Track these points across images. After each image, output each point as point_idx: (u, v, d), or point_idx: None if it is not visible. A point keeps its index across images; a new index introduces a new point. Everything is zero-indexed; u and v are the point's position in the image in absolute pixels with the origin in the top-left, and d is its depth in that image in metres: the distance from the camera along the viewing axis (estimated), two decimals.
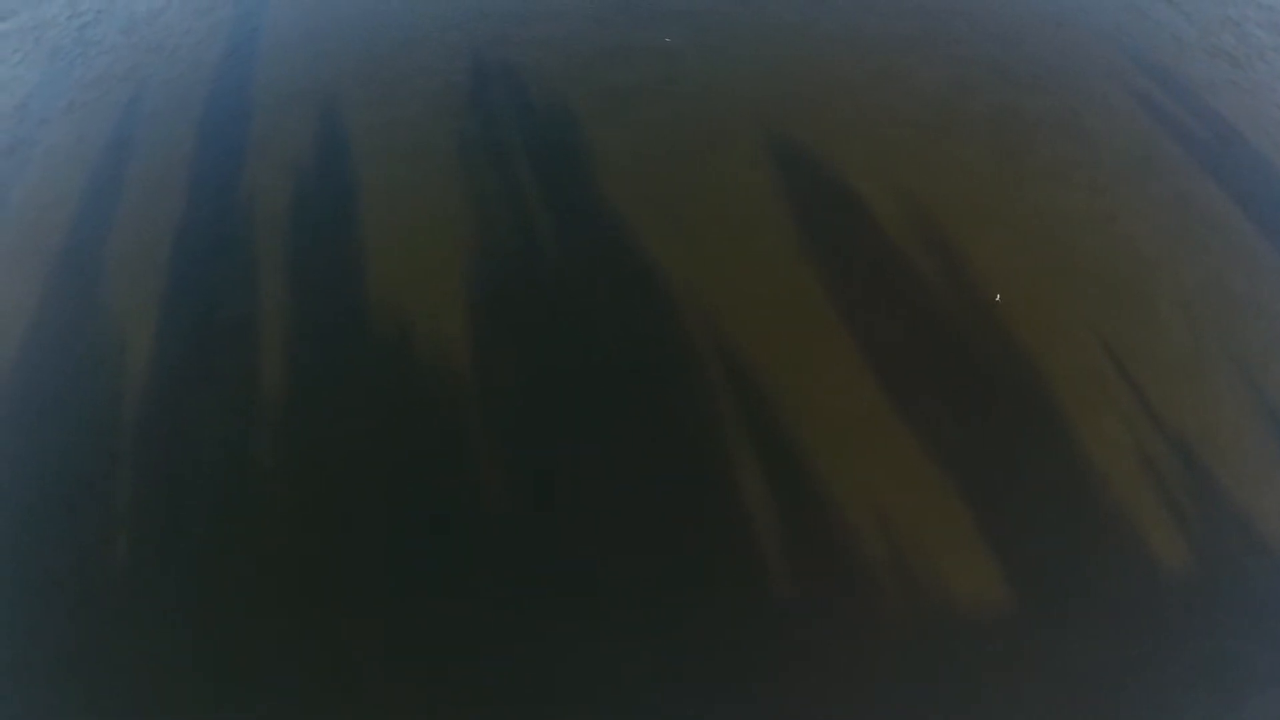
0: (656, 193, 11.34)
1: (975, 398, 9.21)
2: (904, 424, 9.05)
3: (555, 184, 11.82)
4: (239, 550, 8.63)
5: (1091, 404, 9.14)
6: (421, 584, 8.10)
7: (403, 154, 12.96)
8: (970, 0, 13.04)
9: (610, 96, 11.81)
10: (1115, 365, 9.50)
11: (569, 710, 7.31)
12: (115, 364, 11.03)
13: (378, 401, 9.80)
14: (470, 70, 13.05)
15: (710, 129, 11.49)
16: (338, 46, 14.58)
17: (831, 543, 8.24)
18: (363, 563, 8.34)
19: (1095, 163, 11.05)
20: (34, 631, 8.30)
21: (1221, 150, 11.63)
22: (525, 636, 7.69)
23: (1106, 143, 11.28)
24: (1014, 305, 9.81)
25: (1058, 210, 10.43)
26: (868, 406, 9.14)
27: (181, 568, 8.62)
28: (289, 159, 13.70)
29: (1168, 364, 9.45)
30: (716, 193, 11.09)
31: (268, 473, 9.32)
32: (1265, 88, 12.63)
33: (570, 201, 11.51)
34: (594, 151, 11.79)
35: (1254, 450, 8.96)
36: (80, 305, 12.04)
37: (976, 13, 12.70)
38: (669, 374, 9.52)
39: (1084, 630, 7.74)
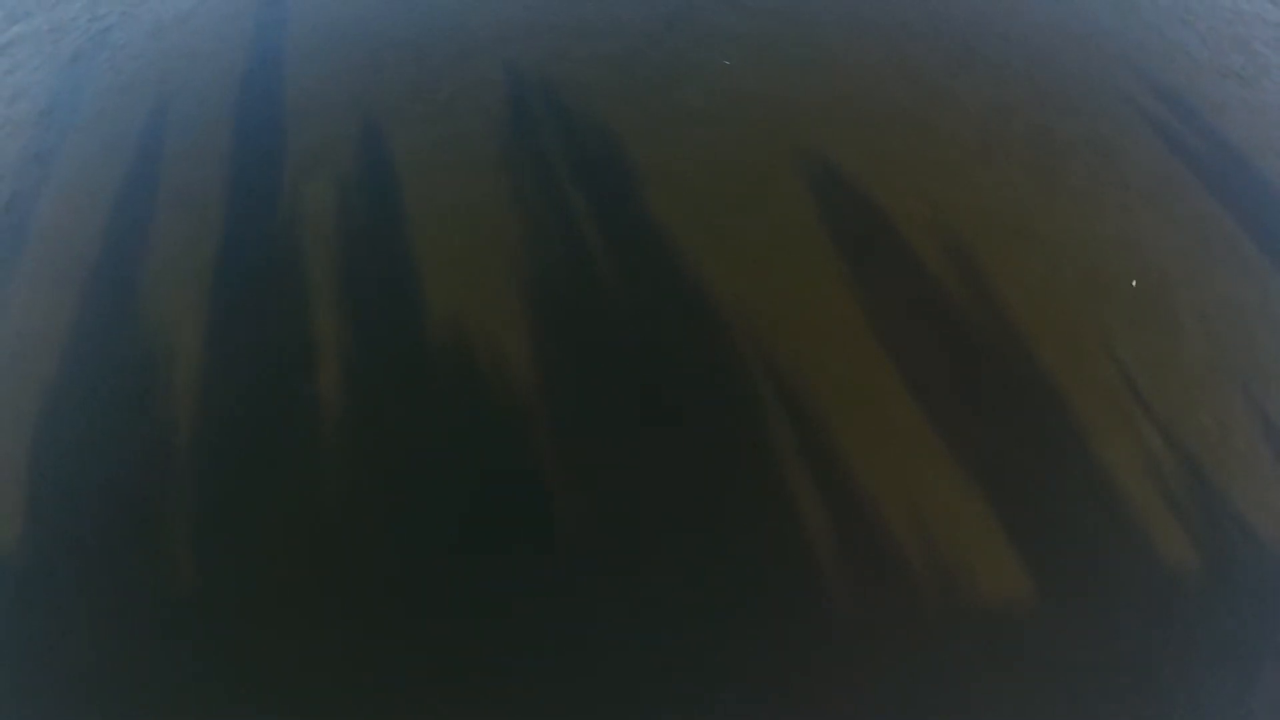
0: (711, 211, 11.85)
1: (1008, 407, 10.03)
2: (938, 432, 9.85)
3: (612, 202, 12.22)
4: (284, 567, 8.94)
5: (1117, 412, 10.04)
6: (471, 600, 8.57)
7: (455, 170, 13.13)
8: (1004, 21, 13.64)
9: (669, 116, 12.17)
10: (1141, 376, 10.38)
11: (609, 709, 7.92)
12: (158, 382, 11.13)
13: (430, 418, 10.08)
14: (526, 85, 13.24)
15: (767, 150, 11.95)
16: (384, 58, 14.58)
17: (871, 542, 9.00)
18: (399, 578, 8.71)
19: (1124, 183, 11.85)
20: (56, 647, 8.55)
21: (1234, 170, 12.50)
22: (575, 647, 8.23)
23: (1133, 163, 12.06)
24: (1049, 322, 10.64)
25: (1091, 231, 11.24)
26: (904, 414, 9.93)
27: (227, 582, 8.90)
28: (335, 173, 13.74)
29: (1188, 375, 10.38)
30: (772, 212, 11.63)
31: (320, 490, 9.57)
32: (1272, 107, 13.51)
33: (626, 219, 11.94)
34: (651, 170, 12.20)
35: (1265, 453, 9.97)
36: (121, 322, 12.06)
37: (1011, 33, 13.31)
38: (717, 386, 10.14)
39: (1109, 619, 8.58)
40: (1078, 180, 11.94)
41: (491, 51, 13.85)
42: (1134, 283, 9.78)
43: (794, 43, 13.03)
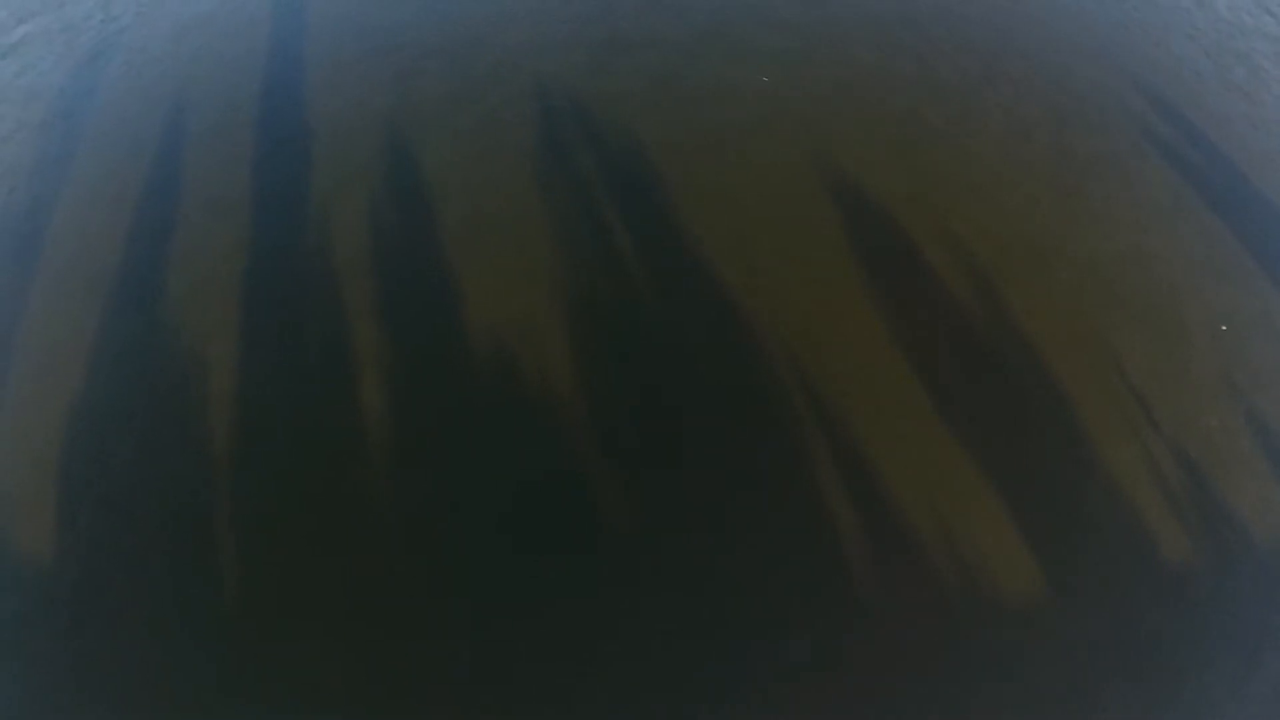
0: (744, 225, 12.23)
1: (1029, 413, 10.67)
2: (962, 436, 10.48)
3: (648, 215, 12.51)
4: (327, 573, 9.16)
5: (1131, 417, 10.76)
6: (510, 603, 8.94)
7: (490, 185, 13.22)
8: (1025, 39, 14.08)
9: (706, 131, 12.42)
10: (1153, 384, 11.08)
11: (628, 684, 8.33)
12: (189, 393, 11.20)
13: (468, 427, 10.33)
14: (564, 98, 13.37)
15: (801, 166, 12.31)
16: (416, 67, 14.54)
17: (897, 542, 9.55)
18: (441, 583, 9.00)
19: (1137, 202, 12.50)
20: (104, 657, 8.74)
21: (1237, 185, 13.20)
22: (615, 644, 8.66)
23: (1145, 182, 12.69)
24: (1068, 334, 11.32)
25: (1109, 248, 11.89)
26: (929, 421, 10.54)
27: (271, 589, 9.13)
28: (366, 185, 13.68)
29: (1197, 383, 11.15)
30: (804, 226, 12.05)
31: (360, 497, 9.81)
32: (1273, 121, 14.21)
33: (662, 232, 12.25)
34: (688, 185, 12.48)
35: (1267, 455, 10.79)
36: (149, 331, 12.00)
37: (1031, 52, 13.77)
38: (749, 393, 10.62)
39: (1124, 609, 9.28)
40: (1095, 199, 12.57)
41: (529, 64, 13.92)
42: (1224, 327, 10.44)
43: (826, 60, 13.39)
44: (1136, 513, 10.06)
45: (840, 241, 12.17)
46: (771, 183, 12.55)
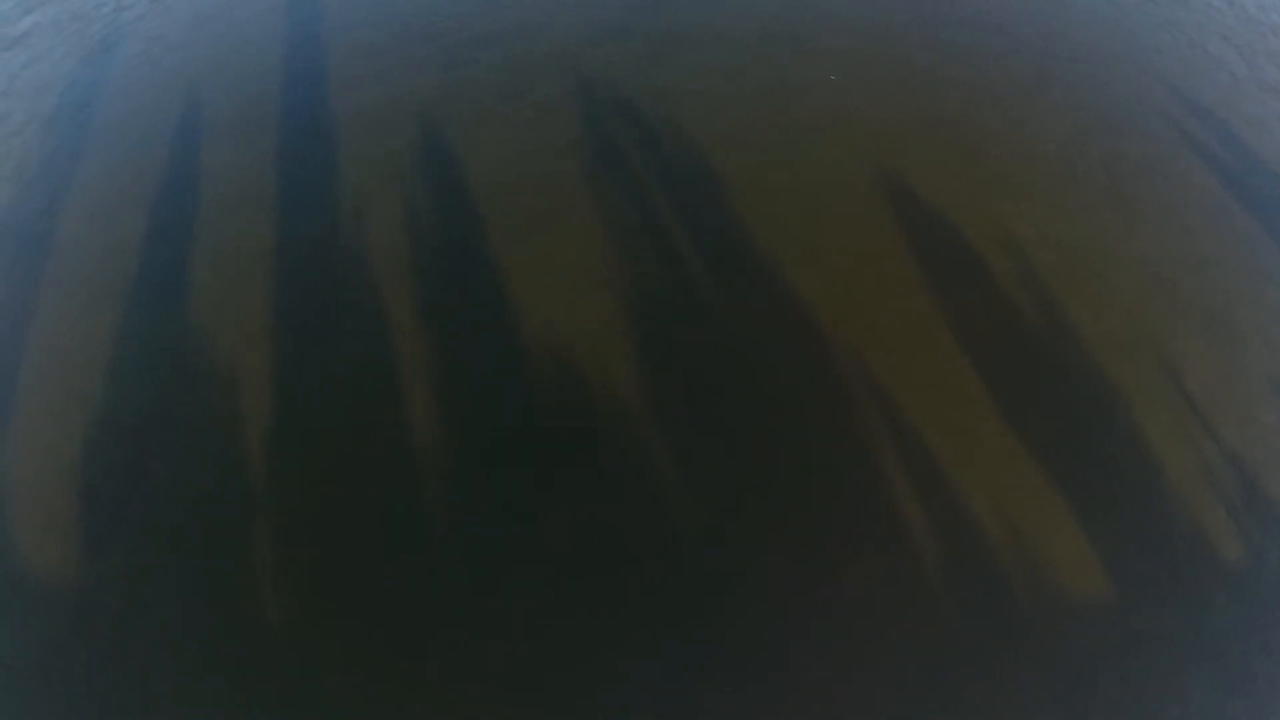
0: (806, 225, 12.10)
1: (1089, 414, 10.75)
2: (1024, 442, 10.51)
3: (707, 213, 12.33)
4: (352, 582, 8.97)
5: (1190, 417, 10.86)
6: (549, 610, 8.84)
7: (542, 182, 12.92)
8: (1071, 45, 14.07)
9: (769, 131, 12.22)
10: (1210, 384, 11.20)
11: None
12: (205, 398, 10.86)
13: (518, 425, 10.10)
14: (620, 93, 13.06)
15: (863, 168, 12.18)
16: (460, 56, 14.10)
17: (965, 541, 9.60)
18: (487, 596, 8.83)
19: (1186, 205, 12.58)
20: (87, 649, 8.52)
21: (1276, 187, 13.40)
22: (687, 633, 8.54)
23: (1191, 185, 12.78)
24: (1126, 337, 11.37)
25: (1163, 253, 11.97)
26: (993, 425, 10.54)
27: (282, 592, 8.92)
28: (407, 182, 13.30)
29: (1253, 382, 11.30)
30: (867, 227, 11.95)
31: (389, 507, 9.58)
32: None
33: (721, 231, 12.09)
34: (747, 183, 12.31)
35: None
36: (171, 340, 11.57)
37: (1078, 57, 13.77)
38: (809, 391, 10.58)
39: (1188, 606, 9.32)
40: (1147, 202, 12.64)
41: (584, 54, 13.51)
42: None
43: (885, 61, 13.25)
44: (1200, 510, 10.10)
45: (903, 244, 12.07)
46: (833, 183, 12.40)
